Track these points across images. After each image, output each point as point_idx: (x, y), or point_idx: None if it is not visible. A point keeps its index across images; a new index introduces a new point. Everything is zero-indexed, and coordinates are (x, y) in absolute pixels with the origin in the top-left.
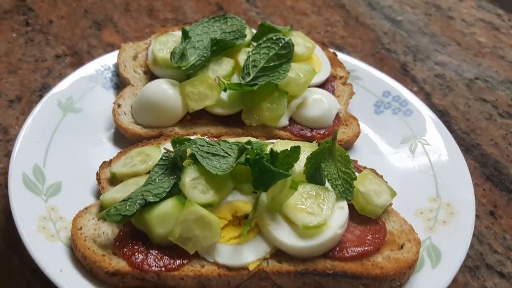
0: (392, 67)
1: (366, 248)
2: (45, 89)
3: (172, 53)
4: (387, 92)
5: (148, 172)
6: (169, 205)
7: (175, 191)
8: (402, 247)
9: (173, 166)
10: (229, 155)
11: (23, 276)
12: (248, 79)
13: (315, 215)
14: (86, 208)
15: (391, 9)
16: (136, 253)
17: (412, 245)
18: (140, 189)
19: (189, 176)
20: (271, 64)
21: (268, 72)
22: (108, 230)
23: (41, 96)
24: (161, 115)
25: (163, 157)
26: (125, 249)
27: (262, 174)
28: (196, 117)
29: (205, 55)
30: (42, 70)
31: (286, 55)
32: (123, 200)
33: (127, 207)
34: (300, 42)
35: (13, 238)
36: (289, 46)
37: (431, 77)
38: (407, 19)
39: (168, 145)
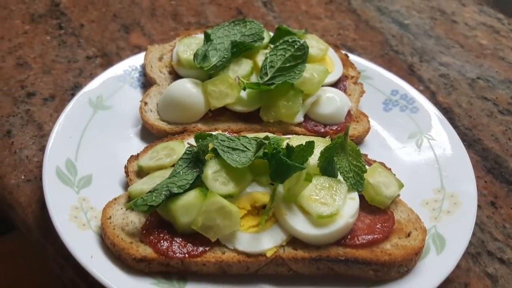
0: (399, 68)
1: (375, 236)
2: (76, 88)
3: (195, 55)
4: (395, 91)
5: (173, 165)
6: (192, 196)
7: (198, 183)
8: (409, 235)
9: (196, 159)
10: (248, 149)
11: (56, 262)
12: (266, 78)
13: (328, 205)
14: (115, 199)
15: (398, 13)
16: (162, 241)
17: (419, 233)
18: (165, 181)
19: (211, 169)
20: (287, 65)
21: (285, 72)
22: (135, 219)
23: (73, 95)
24: (185, 112)
25: (187, 151)
26: (151, 237)
27: (279, 167)
28: (218, 114)
29: (225, 56)
30: (74, 71)
31: (301, 56)
32: (150, 191)
33: (153, 197)
34: (314, 44)
35: (47, 227)
36: (304, 48)
37: (436, 77)
38: (413, 23)
39: (192, 140)
